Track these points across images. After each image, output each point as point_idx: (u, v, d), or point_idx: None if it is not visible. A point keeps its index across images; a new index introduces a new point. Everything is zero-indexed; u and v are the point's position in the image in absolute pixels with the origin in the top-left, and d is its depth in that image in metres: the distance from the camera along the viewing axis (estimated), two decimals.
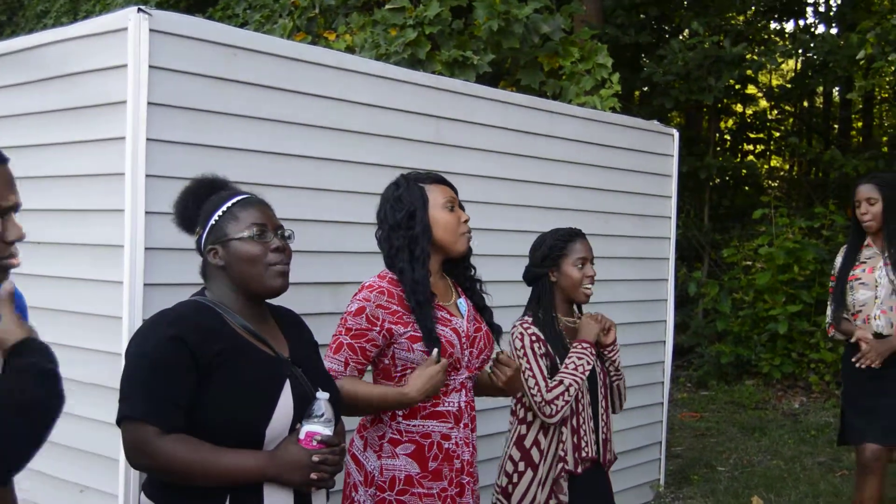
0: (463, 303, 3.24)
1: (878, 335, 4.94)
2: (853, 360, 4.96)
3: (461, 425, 3.10)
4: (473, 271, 3.34)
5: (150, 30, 3.54)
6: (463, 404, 3.11)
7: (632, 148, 6.16)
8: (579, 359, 3.64)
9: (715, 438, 8.66)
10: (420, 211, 3.08)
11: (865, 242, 5.12)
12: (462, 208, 3.21)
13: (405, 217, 3.08)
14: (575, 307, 3.97)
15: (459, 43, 7.70)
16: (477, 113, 4.99)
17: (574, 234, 3.86)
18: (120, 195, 3.54)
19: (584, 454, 3.68)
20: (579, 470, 3.67)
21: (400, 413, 3.01)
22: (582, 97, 7.93)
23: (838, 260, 5.25)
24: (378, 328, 2.97)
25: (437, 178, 3.19)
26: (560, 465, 3.65)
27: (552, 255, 3.81)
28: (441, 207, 3.10)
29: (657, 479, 6.69)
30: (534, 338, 3.67)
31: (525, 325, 3.71)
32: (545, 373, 3.62)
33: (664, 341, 6.63)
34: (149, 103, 3.55)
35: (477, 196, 4.58)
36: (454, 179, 3.27)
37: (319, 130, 4.18)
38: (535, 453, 3.66)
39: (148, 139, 3.55)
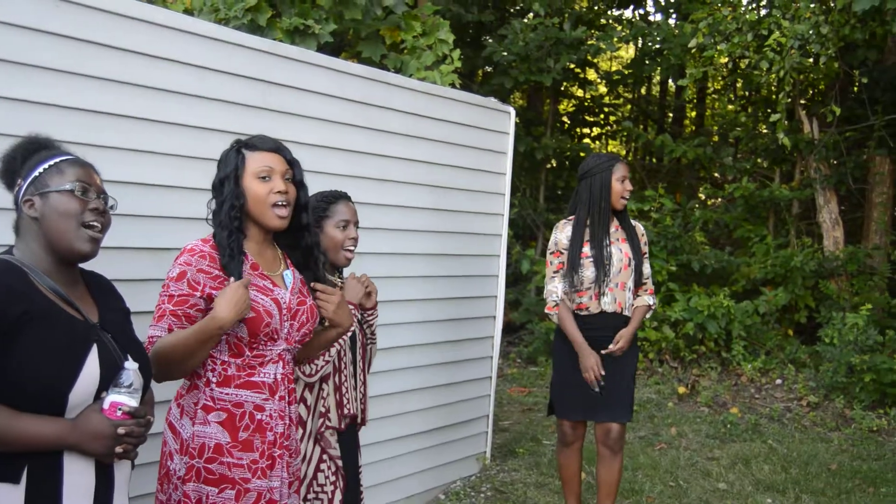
0: (290, 274, 3.20)
1: (604, 313, 5.11)
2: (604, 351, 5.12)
3: (276, 397, 3.06)
4: (315, 246, 3.31)
5: None
6: (279, 376, 3.07)
7: (468, 124, 6.20)
8: None
9: (542, 413, 8.84)
10: (230, 178, 3.04)
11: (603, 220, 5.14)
12: (296, 181, 3.16)
13: (218, 182, 3.07)
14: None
15: (301, 11, 7.58)
16: (312, 81, 4.93)
17: (338, 197, 3.87)
18: None
19: (346, 411, 3.76)
20: (342, 426, 3.76)
21: (214, 380, 2.96)
22: (422, 72, 7.93)
23: (561, 236, 5.18)
24: (199, 293, 2.92)
25: (264, 146, 3.11)
26: (322, 421, 3.70)
27: (314, 216, 3.78)
28: (253, 177, 3.06)
29: (483, 451, 6.79)
30: None
31: None
32: None
33: (494, 316, 6.72)
34: None
35: (310, 165, 4.50)
36: (288, 147, 3.21)
37: (146, 91, 4.05)
38: (302, 410, 3.67)
39: None
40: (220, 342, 2.96)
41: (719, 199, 14.25)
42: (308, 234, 3.28)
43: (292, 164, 3.17)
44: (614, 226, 5.18)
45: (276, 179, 3.07)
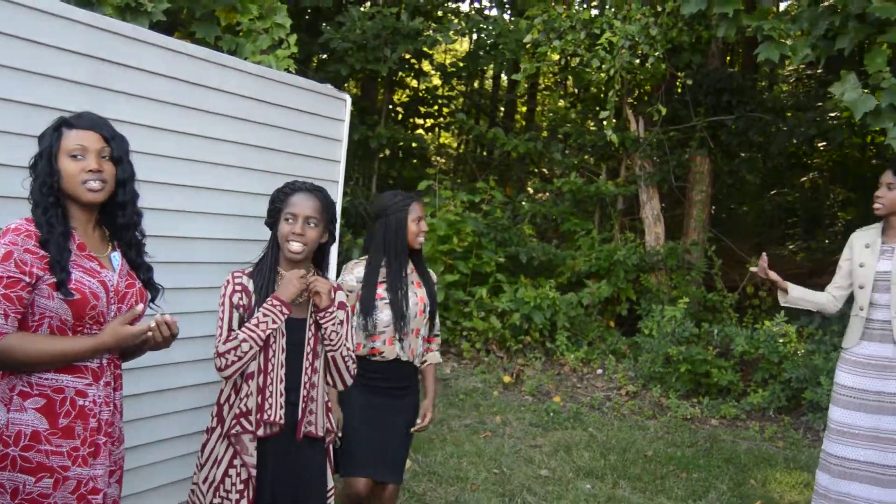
0: (117, 256, 3.13)
1: (398, 360, 4.74)
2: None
3: (101, 383, 2.99)
4: (131, 226, 3.22)
5: None
6: (105, 361, 3.00)
7: (304, 110, 6.15)
8: (264, 315, 3.55)
9: None
10: (44, 156, 2.99)
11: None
12: (114, 157, 3.08)
13: (34, 161, 3.02)
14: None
15: None
16: (145, 59, 4.80)
17: (295, 189, 3.79)
18: None
19: (266, 416, 3.58)
20: (261, 432, 3.59)
21: None
22: (258, 56, 7.83)
23: (350, 277, 4.77)
24: (27, 273, 2.82)
25: (81, 124, 3.05)
26: (237, 422, 3.58)
27: (273, 209, 3.78)
28: (66, 155, 2.99)
29: None
30: (238, 287, 3.66)
31: (235, 274, 3.69)
32: (232, 324, 3.59)
33: None
34: None
35: (141, 146, 4.40)
36: (116, 127, 3.12)
37: None
38: (226, 409, 3.61)
39: None
40: (43, 325, 2.87)
41: (547, 193, 14.56)
42: (123, 213, 3.17)
43: (110, 140, 3.09)
44: (409, 268, 4.89)
45: (88, 158, 3.00)
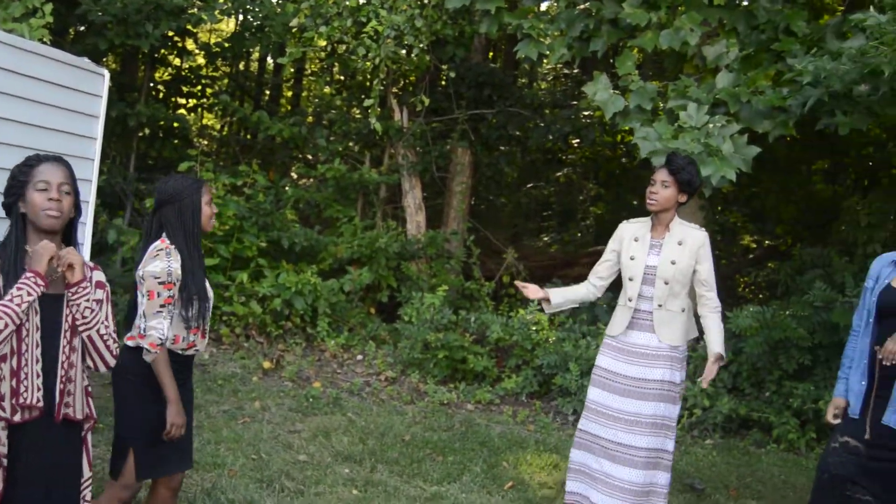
0: None
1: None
2: None
3: None
4: None
5: None
6: None
7: (58, 83, 5.91)
8: (18, 289, 3.33)
9: None
10: None
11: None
12: None
13: None
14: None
15: None
16: None
17: (40, 160, 3.58)
18: None
19: (22, 400, 3.38)
20: (18, 418, 3.39)
21: None
22: (10, 24, 7.46)
23: (176, 265, 4.39)
24: None
25: None
26: None
27: (16, 183, 3.54)
28: None
29: None
30: None
31: None
32: None
33: None
34: None
35: None
36: None
37: None
38: None
39: None
40: None
41: (311, 179, 14.54)
42: None
43: None
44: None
45: None
